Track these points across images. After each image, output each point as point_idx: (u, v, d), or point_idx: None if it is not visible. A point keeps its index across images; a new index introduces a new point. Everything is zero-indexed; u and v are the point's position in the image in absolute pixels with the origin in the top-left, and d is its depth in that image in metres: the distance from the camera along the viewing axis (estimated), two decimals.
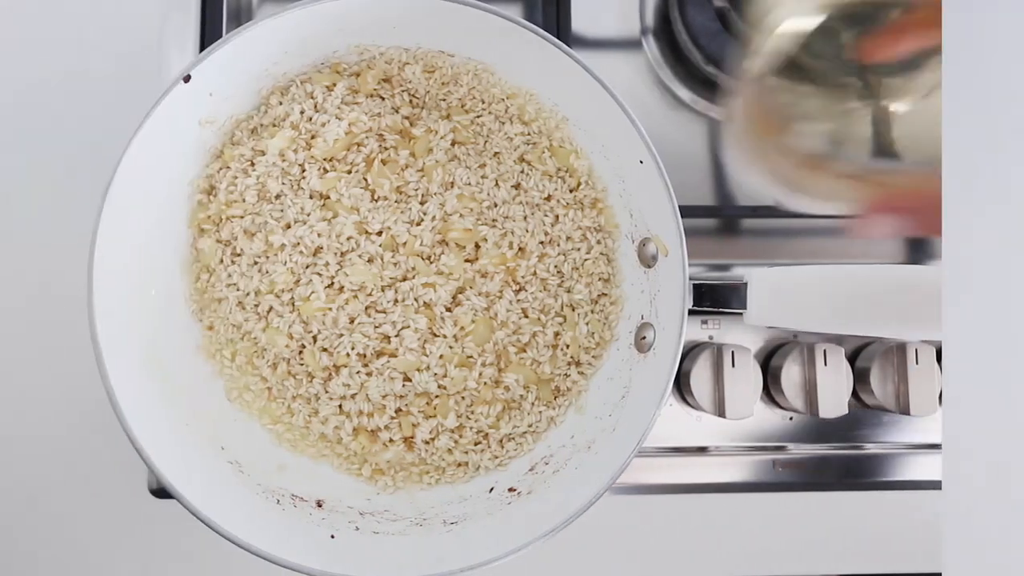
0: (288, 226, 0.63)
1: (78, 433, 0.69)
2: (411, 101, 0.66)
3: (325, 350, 0.63)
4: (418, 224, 0.64)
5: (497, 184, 0.65)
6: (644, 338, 0.61)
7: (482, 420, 0.64)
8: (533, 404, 0.64)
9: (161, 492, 0.66)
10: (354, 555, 0.58)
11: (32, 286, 0.70)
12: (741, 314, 0.58)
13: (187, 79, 0.57)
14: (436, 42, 0.63)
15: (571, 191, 0.65)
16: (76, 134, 0.71)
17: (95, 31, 0.73)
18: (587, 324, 0.64)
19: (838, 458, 0.71)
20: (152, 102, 0.57)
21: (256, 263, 0.64)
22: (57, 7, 0.73)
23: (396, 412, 0.64)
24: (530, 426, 0.64)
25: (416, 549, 0.59)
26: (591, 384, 0.64)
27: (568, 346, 0.64)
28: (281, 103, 0.64)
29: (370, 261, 0.63)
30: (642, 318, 0.62)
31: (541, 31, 0.58)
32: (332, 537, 0.59)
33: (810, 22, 0.43)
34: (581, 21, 0.72)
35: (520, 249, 0.64)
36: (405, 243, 0.63)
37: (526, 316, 0.64)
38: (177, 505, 0.54)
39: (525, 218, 0.65)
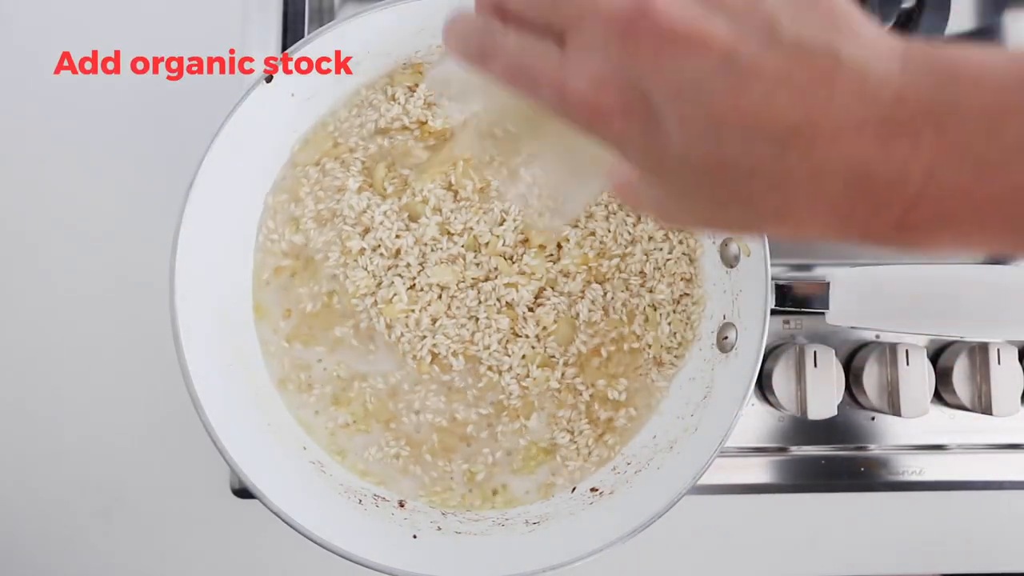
0: (367, 230, 0.64)
1: (161, 433, 0.70)
2: None
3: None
4: (500, 224, 0.64)
5: None
6: (726, 338, 0.61)
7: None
8: None
9: (243, 492, 0.66)
10: (436, 555, 0.58)
11: (116, 289, 0.71)
12: (823, 314, 0.58)
13: (269, 79, 0.58)
14: None
15: None
16: (159, 135, 0.72)
17: (177, 31, 0.73)
18: (669, 324, 0.64)
19: (920, 458, 0.70)
20: (234, 102, 0.58)
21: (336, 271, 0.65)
22: (137, 8, 0.75)
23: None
24: None
25: (498, 549, 0.59)
26: (673, 384, 0.64)
27: (650, 346, 0.64)
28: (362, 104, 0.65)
29: (452, 261, 0.64)
30: (724, 318, 0.62)
31: None
32: (415, 537, 0.59)
33: None
34: None
35: (602, 249, 0.65)
36: (487, 243, 0.64)
37: (608, 316, 0.64)
38: (259, 505, 0.55)
39: (607, 217, 0.65)
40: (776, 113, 0.30)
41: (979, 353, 0.66)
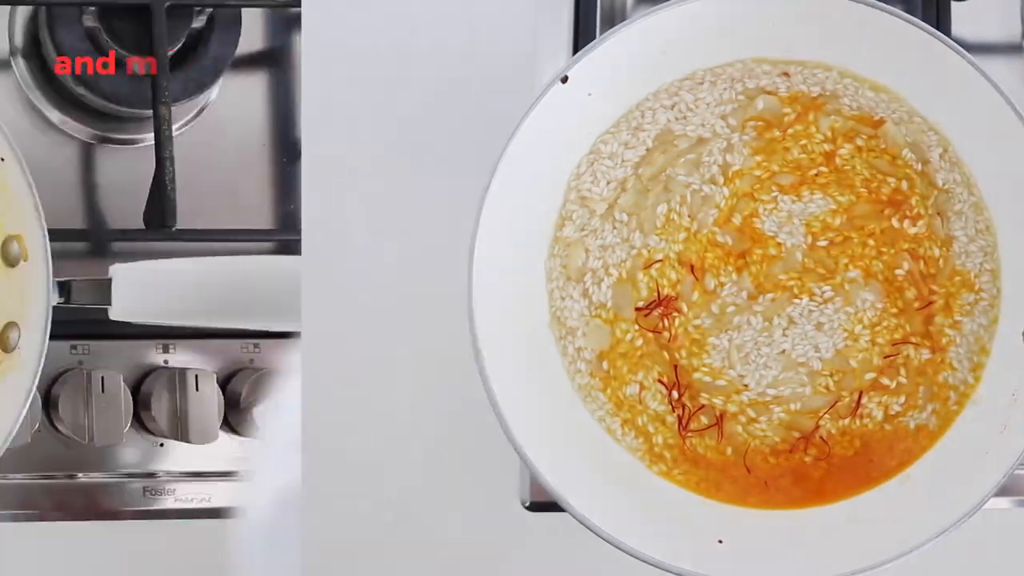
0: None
1: (447, 445, 0.66)
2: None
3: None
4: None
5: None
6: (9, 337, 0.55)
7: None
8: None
9: (536, 506, 0.62)
10: (747, 559, 0.53)
11: (413, 290, 0.67)
12: (107, 310, 0.55)
13: (565, 79, 0.54)
14: (838, 49, 0.55)
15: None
16: (457, 141, 0.68)
17: (470, 38, 0.70)
18: None
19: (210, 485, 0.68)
20: (527, 105, 0.54)
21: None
22: (431, 19, 0.70)
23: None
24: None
25: (814, 550, 0.54)
26: None
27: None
28: (654, 112, 0.59)
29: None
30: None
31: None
32: (720, 542, 0.54)
33: None
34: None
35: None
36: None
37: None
38: (552, 519, 0.53)
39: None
40: None
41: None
